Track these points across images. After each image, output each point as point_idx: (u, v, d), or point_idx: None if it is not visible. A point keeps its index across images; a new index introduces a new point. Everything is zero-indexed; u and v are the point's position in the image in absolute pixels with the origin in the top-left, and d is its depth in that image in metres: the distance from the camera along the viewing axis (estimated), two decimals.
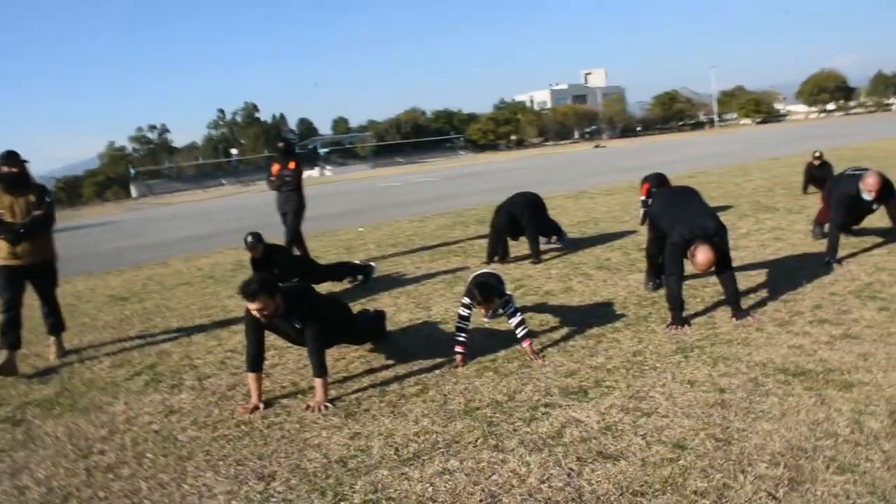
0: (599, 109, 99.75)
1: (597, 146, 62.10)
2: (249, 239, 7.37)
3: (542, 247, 8.95)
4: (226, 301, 8.23)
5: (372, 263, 8.36)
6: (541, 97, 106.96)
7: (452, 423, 3.99)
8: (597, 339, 5.29)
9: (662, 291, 6.35)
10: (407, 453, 3.69)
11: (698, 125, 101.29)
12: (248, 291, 4.32)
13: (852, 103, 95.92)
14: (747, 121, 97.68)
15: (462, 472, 3.41)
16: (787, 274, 6.58)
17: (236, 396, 4.86)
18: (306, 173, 11.93)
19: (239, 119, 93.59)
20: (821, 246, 7.80)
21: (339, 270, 8.07)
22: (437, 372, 4.91)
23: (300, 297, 4.58)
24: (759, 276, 6.69)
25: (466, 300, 5.03)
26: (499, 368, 4.86)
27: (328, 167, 72.58)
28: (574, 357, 4.94)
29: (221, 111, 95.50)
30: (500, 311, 5.06)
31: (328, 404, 4.41)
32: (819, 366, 4.36)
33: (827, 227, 8.18)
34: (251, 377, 4.58)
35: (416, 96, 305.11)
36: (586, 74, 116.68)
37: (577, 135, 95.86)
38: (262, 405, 4.52)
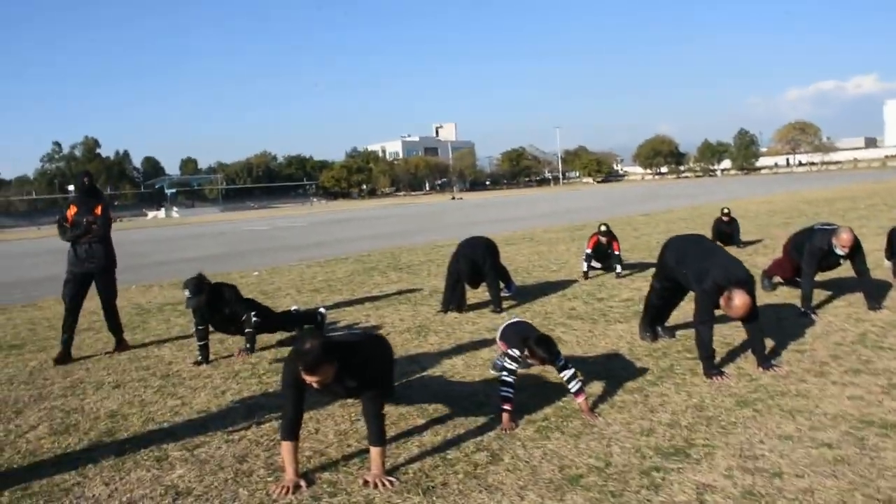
0: (450, 162, 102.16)
1: (453, 198, 63.21)
2: (187, 294, 6.19)
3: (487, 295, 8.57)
4: (158, 351, 7.13)
5: (321, 310, 7.56)
6: (393, 147, 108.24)
7: (569, 497, 3.41)
8: (641, 393, 4.90)
9: (662, 342, 6.14)
10: None
11: (544, 182, 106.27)
12: (309, 364, 3.52)
13: (683, 167, 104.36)
14: (589, 179, 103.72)
15: None
16: (772, 325, 6.52)
17: (255, 469, 3.99)
18: (151, 214, 10.79)
19: (78, 153, 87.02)
20: (776, 297, 7.97)
21: (293, 318, 7.21)
22: (490, 434, 4.30)
23: (353, 352, 3.84)
24: (742, 328, 6.60)
25: (516, 353, 4.50)
26: (562, 428, 4.34)
27: (175, 209, 68.82)
28: (633, 414, 4.51)
29: (58, 144, 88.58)
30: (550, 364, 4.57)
31: (391, 479, 3.67)
32: None
33: (776, 279, 8.44)
34: (287, 447, 3.75)
35: (268, 140, 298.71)
36: (437, 128, 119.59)
37: (427, 186, 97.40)
38: (303, 482, 3.70)
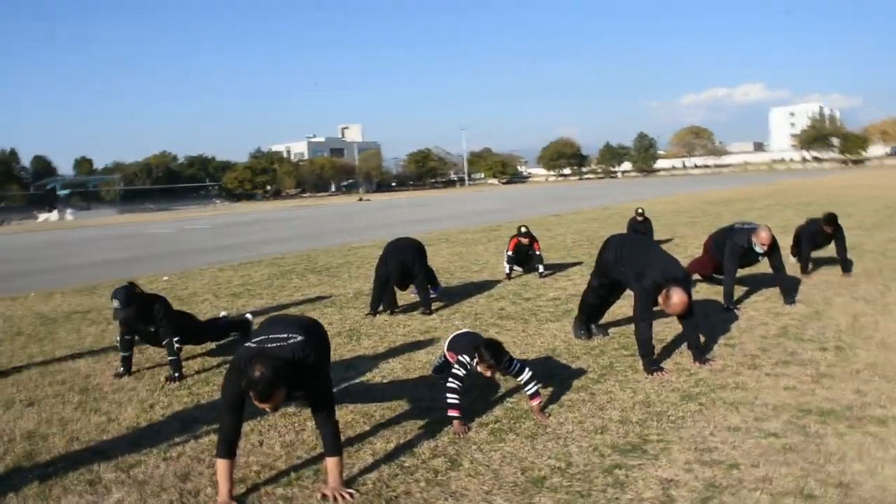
0: (356, 164, 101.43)
1: (360, 199, 62.68)
2: (116, 304, 5.78)
3: (410, 295, 8.50)
4: (72, 363, 6.68)
5: (248, 316, 7.28)
6: (298, 148, 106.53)
7: (538, 500, 3.36)
8: (586, 391, 4.94)
9: (598, 340, 6.22)
10: None
11: (450, 183, 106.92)
12: (262, 393, 3.28)
13: (585, 169, 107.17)
14: (494, 181, 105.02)
15: None
16: (699, 321, 6.61)
17: (201, 488, 3.76)
18: (42, 216, 10.14)
19: None
20: (698, 294, 8.19)
21: (221, 326, 6.90)
22: (443, 438, 4.22)
23: (301, 363, 3.60)
24: (674, 324, 6.76)
25: (465, 359, 4.43)
26: (515, 429, 4.30)
27: (69, 210, 65.21)
28: (584, 412, 4.54)
29: None
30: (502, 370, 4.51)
31: (351, 491, 3.52)
32: (834, 405, 4.41)
33: (694, 276, 8.70)
34: (224, 465, 3.48)
35: (167, 140, 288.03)
36: (343, 129, 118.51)
37: (333, 187, 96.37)
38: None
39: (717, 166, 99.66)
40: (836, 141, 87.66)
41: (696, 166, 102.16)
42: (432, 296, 8.62)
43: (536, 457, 3.84)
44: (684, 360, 5.55)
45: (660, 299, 5.28)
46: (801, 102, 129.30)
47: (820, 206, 20.10)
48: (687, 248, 12.52)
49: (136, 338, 6.06)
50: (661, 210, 22.54)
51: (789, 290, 7.52)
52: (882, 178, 42.47)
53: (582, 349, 6.05)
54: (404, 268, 7.91)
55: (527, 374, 4.46)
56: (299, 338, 3.65)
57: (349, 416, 4.67)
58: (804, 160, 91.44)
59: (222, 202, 79.02)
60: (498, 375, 4.63)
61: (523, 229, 10.15)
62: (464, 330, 5.18)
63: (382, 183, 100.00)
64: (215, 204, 76.39)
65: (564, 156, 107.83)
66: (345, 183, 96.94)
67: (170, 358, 5.88)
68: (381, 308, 8.04)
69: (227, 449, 3.48)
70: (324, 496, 3.48)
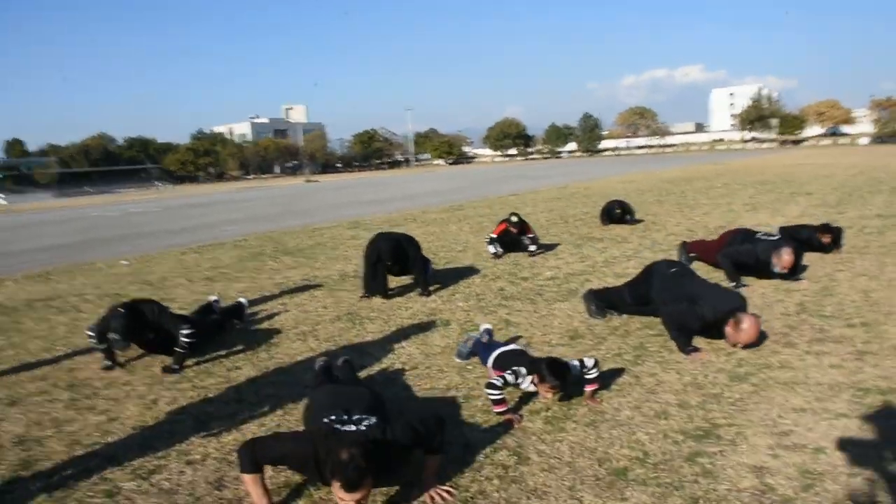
0: (301, 145, 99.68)
1: (308, 181, 61.58)
2: (115, 337, 5.19)
3: (404, 279, 8.18)
4: (49, 356, 6.12)
5: (242, 300, 6.84)
6: (241, 129, 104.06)
7: (630, 494, 3.09)
8: (629, 374, 4.70)
9: (617, 319, 6.01)
10: None
11: (396, 164, 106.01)
12: (352, 482, 2.82)
13: (531, 149, 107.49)
14: (440, 161, 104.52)
15: None
16: None
17: (241, 495, 3.37)
18: None
19: None
20: (701, 272, 8.04)
21: (222, 319, 6.42)
22: (496, 430, 3.91)
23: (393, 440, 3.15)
24: None
25: (522, 370, 4.12)
26: (570, 417, 4.03)
27: (1, 195, 62.25)
28: (635, 397, 4.29)
29: None
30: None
31: (449, 489, 3.18)
32: (891, 383, 4.30)
33: (693, 254, 8.53)
34: (253, 480, 3.15)
35: (105, 121, 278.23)
36: (287, 109, 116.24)
37: (278, 169, 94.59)
38: None
39: (660, 146, 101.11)
40: (774, 121, 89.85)
41: (639, 146, 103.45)
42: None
43: (607, 446, 3.58)
44: (712, 339, 5.34)
45: (727, 330, 5.00)
46: (739, 84, 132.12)
47: (777, 185, 20.42)
48: (666, 226, 12.43)
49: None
50: (622, 189, 22.56)
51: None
52: (823, 156, 43.58)
53: (605, 329, 5.81)
54: (398, 247, 7.56)
55: (590, 361, 4.18)
56: (372, 419, 3.28)
57: None
58: (744, 140, 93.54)
59: (164, 185, 76.65)
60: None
61: (514, 218, 9.90)
62: (512, 346, 4.84)
63: (327, 164, 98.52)
64: (157, 186, 74.07)
65: (510, 136, 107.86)
66: (289, 164, 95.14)
67: (178, 350, 5.40)
68: (375, 291, 7.66)
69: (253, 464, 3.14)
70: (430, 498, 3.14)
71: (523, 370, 4.11)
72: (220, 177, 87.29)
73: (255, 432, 4.02)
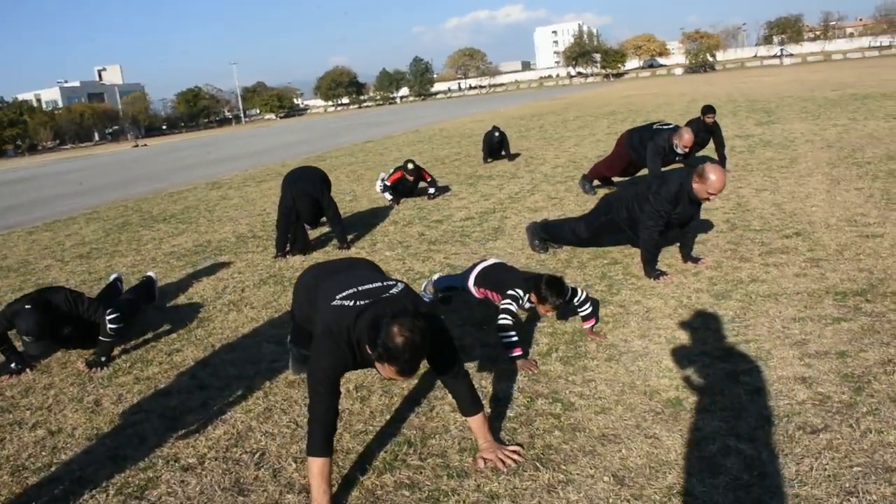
0: (120, 108, 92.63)
1: (136, 145, 57.47)
2: (28, 339, 4.32)
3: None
4: None
5: (151, 274, 6.10)
6: (49, 96, 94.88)
7: (698, 422, 2.97)
8: (615, 304, 4.62)
9: (561, 253, 5.92)
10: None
11: (225, 121, 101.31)
12: (410, 364, 2.49)
13: (364, 97, 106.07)
14: (271, 116, 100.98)
15: None
16: None
17: (279, 499, 2.94)
18: None
19: None
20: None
21: (133, 299, 5.64)
22: (519, 379, 3.66)
23: (427, 316, 2.73)
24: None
25: (520, 292, 3.88)
26: (584, 354, 3.88)
27: None
28: (634, 327, 4.21)
29: None
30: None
31: (516, 448, 2.86)
32: (856, 284, 4.47)
33: (596, 182, 8.66)
34: (321, 465, 2.63)
35: None
36: (100, 71, 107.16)
37: (97, 136, 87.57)
38: None
39: (491, 86, 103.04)
40: (597, 56, 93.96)
41: (471, 87, 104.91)
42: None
43: (644, 379, 3.44)
44: (676, 262, 5.37)
45: (696, 188, 4.89)
46: (559, 22, 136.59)
47: (628, 115, 21.29)
48: (545, 161, 12.55)
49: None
50: (479, 128, 22.62)
51: None
52: (650, 87, 46.10)
53: (558, 263, 5.71)
54: (314, 202, 7.06)
55: (583, 295, 4.01)
56: (399, 284, 2.90)
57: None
58: (570, 76, 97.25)
59: None
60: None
61: (410, 166, 9.55)
62: (490, 261, 4.55)
63: (152, 127, 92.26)
64: None
65: (342, 85, 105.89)
66: (109, 130, 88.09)
67: (103, 340, 4.65)
68: (294, 248, 7.14)
69: (325, 445, 2.65)
70: (484, 461, 2.80)
71: (520, 291, 3.87)
72: (33, 149, 79.47)
73: (245, 421, 3.52)
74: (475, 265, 4.48)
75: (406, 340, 2.41)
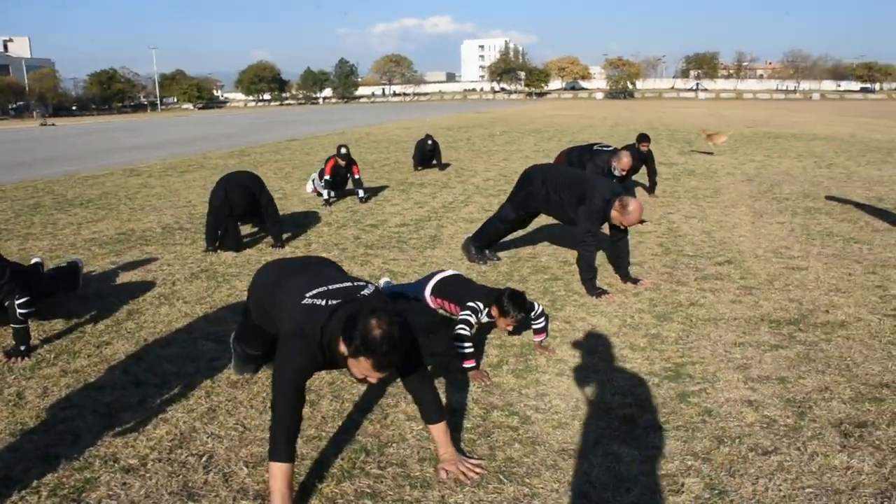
0: (27, 83, 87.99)
1: (44, 124, 54.66)
2: None
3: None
4: None
5: (76, 259, 5.77)
6: None
7: (653, 439, 3.03)
8: (559, 320, 4.65)
9: (500, 266, 5.98)
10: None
11: (140, 107, 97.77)
12: (392, 358, 2.43)
13: (286, 95, 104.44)
14: (189, 105, 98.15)
15: None
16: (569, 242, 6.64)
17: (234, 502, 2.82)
18: None
19: None
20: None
21: (56, 280, 5.33)
22: (474, 391, 3.65)
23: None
24: (546, 247, 6.77)
25: (479, 305, 3.88)
26: (534, 368, 3.90)
27: None
28: (581, 343, 4.26)
29: None
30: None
31: (477, 461, 2.83)
32: (788, 314, 4.68)
33: None
34: (283, 471, 2.51)
35: None
36: (6, 42, 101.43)
37: None
38: None
39: (416, 94, 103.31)
40: (522, 74, 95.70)
41: (395, 94, 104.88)
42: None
43: (596, 395, 3.48)
44: (615, 281, 5.49)
45: (614, 213, 5.04)
46: (486, 37, 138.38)
47: (554, 133, 21.73)
48: (476, 172, 12.65)
49: None
50: (406, 136, 22.62)
51: None
52: (574, 108, 47.27)
53: (498, 276, 5.73)
54: (249, 194, 6.87)
55: (539, 308, 4.04)
56: (370, 285, 2.83)
57: (334, 383, 3.84)
58: (494, 90, 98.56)
59: None
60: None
61: (343, 150, 9.42)
62: (448, 272, 4.53)
63: (60, 106, 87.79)
64: None
65: (265, 80, 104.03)
66: (13, 106, 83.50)
67: (15, 327, 4.35)
68: (224, 245, 6.93)
69: (290, 449, 2.54)
70: (447, 473, 2.75)
71: (480, 304, 3.88)
72: None
73: (187, 422, 3.35)
74: (432, 275, 4.45)
75: (384, 333, 2.35)
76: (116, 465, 2.98)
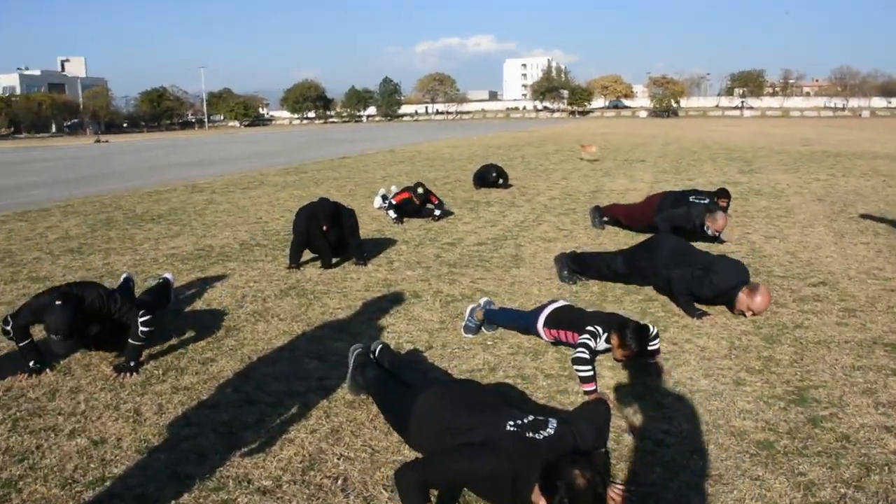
0: (81, 101, 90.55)
1: (98, 141, 56.13)
2: (57, 338, 4.03)
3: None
4: None
5: (168, 276, 5.88)
6: (7, 82, 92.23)
7: (799, 466, 2.96)
8: (666, 341, 4.58)
9: (591, 287, 5.94)
10: None
11: (188, 124, 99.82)
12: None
13: (331, 113, 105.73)
14: (235, 123, 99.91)
15: None
16: None
17: None
18: None
19: None
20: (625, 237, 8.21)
21: (152, 301, 5.41)
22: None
23: None
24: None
25: (599, 329, 3.87)
26: (655, 390, 3.84)
27: None
28: (695, 365, 4.20)
29: None
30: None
31: (625, 486, 2.78)
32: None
33: (607, 217, 8.66)
34: None
35: None
36: (63, 61, 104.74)
37: (55, 127, 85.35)
38: None
39: (458, 113, 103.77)
40: (565, 93, 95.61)
41: (438, 112, 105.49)
42: None
43: (724, 419, 3.43)
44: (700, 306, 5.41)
45: (741, 295, 4.95)
46: (528, 56, 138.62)
47: (608, 152, 21.57)
48: (540, 191, 12.62)
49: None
50: (458, 154, 22.72)
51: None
52: (621, 126, 47.00)
53: (592, 296, 5.70)
54: (335, 211, 6.96)
55: (654, 331, 4.03)
56: (552, 420, 2.75)
57: None
58: (536, 109, 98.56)
59: None
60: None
61: (420, 190, 9.53)
62: (560, 302, 4.55)
63: (112, 123, 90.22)
64: None
65: (310, 98, 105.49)
66: (68, 123, 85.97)
67: (135, 344, 4.41)
68: (324, 263, 7.00)
69: None
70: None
71: (600, 329, 3.86)
72: None
73: (311, 442, 3.36)
74: (544, 307, 4.47)
75: (588, 483, 2.31)
76: (251, 485, 2.99)
